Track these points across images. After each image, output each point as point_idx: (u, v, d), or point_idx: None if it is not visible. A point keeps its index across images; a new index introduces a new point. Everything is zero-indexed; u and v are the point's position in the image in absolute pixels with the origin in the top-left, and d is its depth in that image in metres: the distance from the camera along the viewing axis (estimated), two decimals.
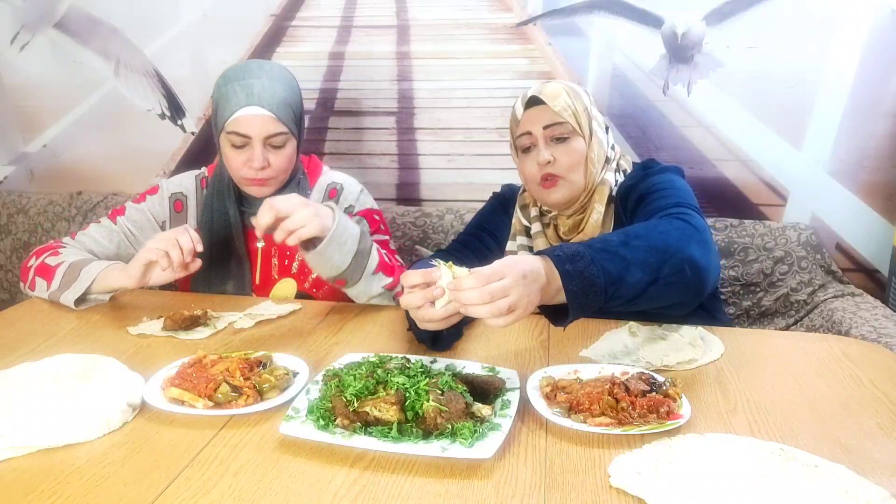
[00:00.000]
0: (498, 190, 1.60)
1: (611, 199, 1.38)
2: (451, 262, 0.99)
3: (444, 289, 0.97)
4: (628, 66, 1.93)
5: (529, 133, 1.36)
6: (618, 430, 0.90)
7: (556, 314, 1.02)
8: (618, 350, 1.18)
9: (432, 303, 0.98)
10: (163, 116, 2.15)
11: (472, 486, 0.80)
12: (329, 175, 1.59)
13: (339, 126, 2.10)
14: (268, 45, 2.07)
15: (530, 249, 1.47)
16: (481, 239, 1.51)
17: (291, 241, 1.20)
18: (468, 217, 1.98)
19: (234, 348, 1.17)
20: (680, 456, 0.84)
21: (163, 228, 1.52)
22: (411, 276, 1.00)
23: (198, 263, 1.27)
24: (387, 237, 1.57)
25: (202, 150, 2.17)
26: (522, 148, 1.39)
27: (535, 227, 1.46)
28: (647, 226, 1.14)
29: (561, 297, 0.97)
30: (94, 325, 1.30)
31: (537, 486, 0.81)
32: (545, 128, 1.34)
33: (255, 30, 2.06)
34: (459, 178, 2.09)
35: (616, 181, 1.41)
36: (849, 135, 1.87)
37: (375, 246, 1.38)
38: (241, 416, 0.95)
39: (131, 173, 2.21)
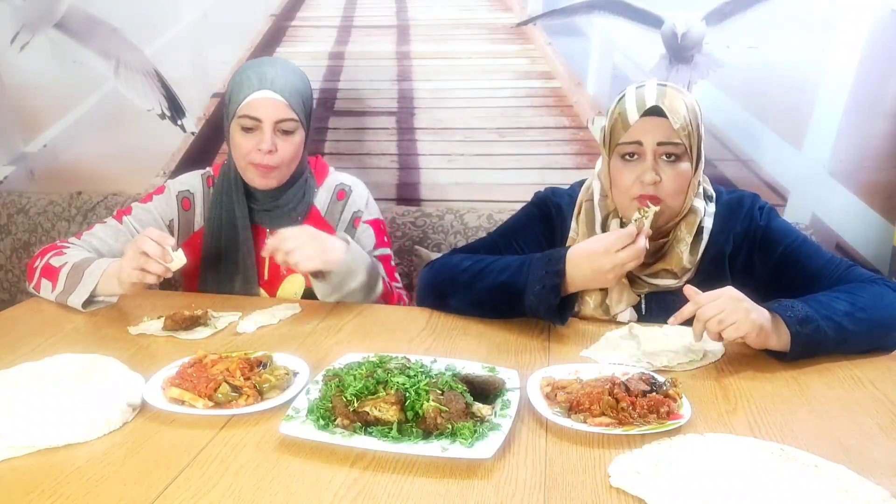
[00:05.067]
0: (527, 188, 1.49)
1: (698, 228, 1.30)
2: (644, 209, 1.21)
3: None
4: (628, 66, 1.93)
5: (639, 143, 1.24)
6: (618, 430, 0.90)
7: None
8: (618, 350, 1.18)
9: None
10: (163, 116, 2.15)
11: (472, 486, 0.80)
12: (336, 176, 1.61)
13: (339, 126, 2.09)
14: (268, 45, 2.07)
15: None
16: (508, 248, 1.42)
17: (300, 268, 1.30)
18: (468, 217, 1.98)
19: (234, 348, 1.17)
20: (680, 456, 0.85)
21: (170, 227, 1.53)
22: (626, 235, 1.17)
23: (182, 258, 1.27)
24: (390, 251, 1.61)
25: (202, 150, 2.17)
26: (624, 154, 1.27)
27: None
28: (871, 297, 1.17)
29: (777, 346, 1.11)
30: (94, 325, 1.30)
31: (537, 486, 0.81)
32: (659, 144, 1.23)
33: (255, 30, 2.06)
34: (459, 178, 2.09)
35: (704, 210, 1.32)
36: (849, 135, 1.87)
37: (382, 276, 1.48)
38: (241, 416, 0.95)
39: (131, 173, 2.21)
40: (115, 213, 1.54)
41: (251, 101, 1.40)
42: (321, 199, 1.57)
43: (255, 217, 1.52)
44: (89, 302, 1.34)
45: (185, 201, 1.55)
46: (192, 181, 1.57)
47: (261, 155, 1.41)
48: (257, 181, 1.46)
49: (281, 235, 1.31)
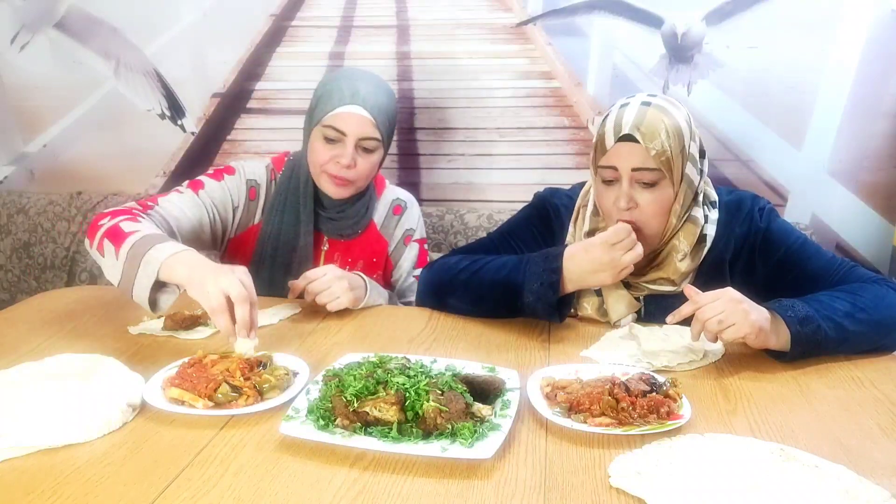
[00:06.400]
0: (527, 188, 1.50)
1: (700, 236, 1.29)
2: None
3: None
4: (628, 66, 1.93)
5: (615, 168, 1.24)
6: (618, 431, 0.90)
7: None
8: (618, 350, 1.18)
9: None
10: (163, 116, 2.15)
11: (472, 486, 0.80)
12: (393, 190, 1.63)
13: None
14: (268, 45, 2.07)
15: None
16: (506, 250, 1.42)
17: (330, 308, 1.33)
18: (468, 217, 1.98)
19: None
20: (680, 456, 0.85)
21: (234, 213, 1.49)
22: (622, 230, 1.18)
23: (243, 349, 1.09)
24: None
25: (202, 150, 2.17)
26: (604, 178, 1.27)
27: None
28: (872, 298, 1.18)
29: (777, 346, 1.11)
30: (94, 325, 1.30)
31: (537, 486, 0.81)
32: (634, 170, 1.22)
33: (256, 30, 2.06)
34: (459, 178, 2.09)
35: (705, 217, 1.30)
36: (849, 135, 1.87)
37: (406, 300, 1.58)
38: (241, 416, 0.95)
39: (131, 173, 2.21)
40: (186, 183, 1.45)
41: (339, 113, 1.39)
42: (379, 212, 1.58)
43: (320, 223, 1.52)
44: (154, 303, 1.17)
45: (251, 190, 1.51)
46: (259, 171, 1.52)
47: (339, 168, 1.41)
48: (332, 190, 1.45)
49: (306, 278, 1.33)
